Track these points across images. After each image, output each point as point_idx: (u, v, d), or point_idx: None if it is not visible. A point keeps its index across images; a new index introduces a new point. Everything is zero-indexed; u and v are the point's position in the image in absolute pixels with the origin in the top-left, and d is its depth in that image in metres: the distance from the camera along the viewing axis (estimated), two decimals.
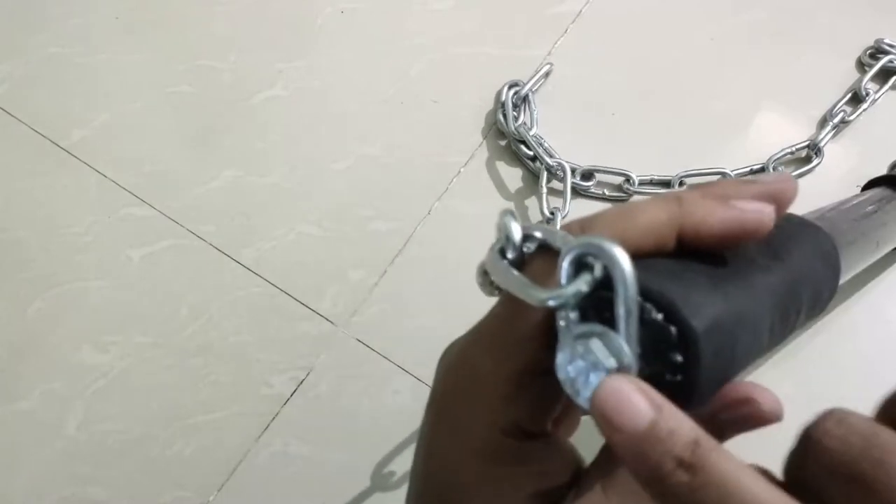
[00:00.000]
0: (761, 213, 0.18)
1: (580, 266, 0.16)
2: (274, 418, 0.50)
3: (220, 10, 0.63)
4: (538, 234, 0.18)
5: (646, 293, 0.16)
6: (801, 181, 0.54)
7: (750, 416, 0.18)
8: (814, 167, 0.53)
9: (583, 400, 0.16)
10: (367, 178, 0.56)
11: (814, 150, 0.54)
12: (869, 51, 0.57)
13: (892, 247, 0.42)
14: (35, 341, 0.52)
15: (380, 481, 0.48)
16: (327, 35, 0.62)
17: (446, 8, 0.62)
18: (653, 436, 0.15)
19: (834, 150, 0.54)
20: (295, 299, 0.53)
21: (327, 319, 0.52)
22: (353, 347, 0.51)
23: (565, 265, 0.16)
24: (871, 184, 0.46)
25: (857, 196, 0.40)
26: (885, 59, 0.55)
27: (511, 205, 0.55)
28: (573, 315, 0.16)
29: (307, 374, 0.51)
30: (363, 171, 0.57)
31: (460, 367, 0.20)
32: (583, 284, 0.16)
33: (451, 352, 0.20)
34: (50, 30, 0.63)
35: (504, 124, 0.56)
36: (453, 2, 0.62)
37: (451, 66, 0.60)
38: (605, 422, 0.15)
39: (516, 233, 0.18)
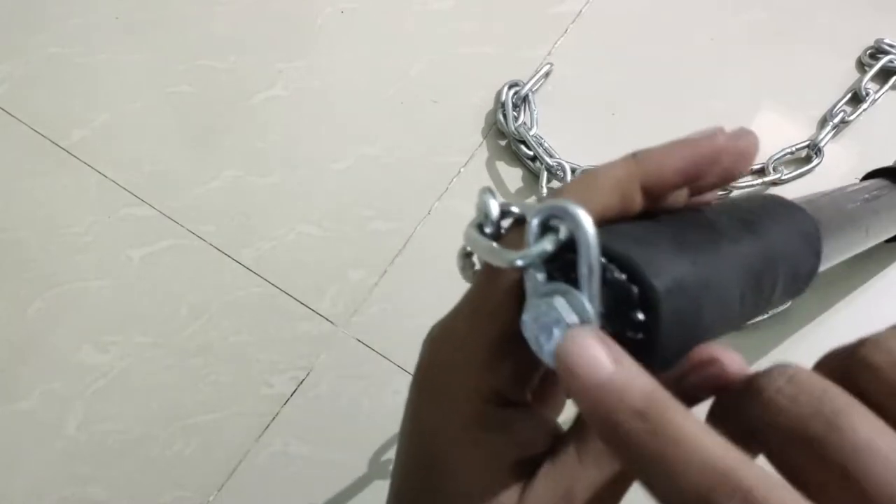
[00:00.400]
0: (714, 142, 0.19)
1: (547, 230, 0.17)
2: (274, 418, 0.50)
3: (220, 10, 0.63)
4: (515, 210, 0.19)
5: (609, 254, 0.16)
6: (801, 181, 0.54)
7: (715, 378, 0.18)
8: (814, 167, 0.53)
9: (546, 355, 0.17)
10: (367, 178, 0.56)
11: (814, 150, 0.54)
12: (869, 51, 0.57)
13: (884, 237, 0.43)
14: (35, 341, 0.52)
15: (378, 472, 0.48)
16: (327, 35, 0.62)
17: (446, 8, 0.62)
18: (611, 385, 0.15)
19: (834, 150, 0.54)
20: (295, 299, 0.53)
21: (327, 319, 0.52)
22: (353, 347, 0.51)
23: (533, 229, 0.17)
24: (872, 175, 0.46)
25: (853, 185, 0.40)
26: (885, 59, 0.55)
27: None
28: (540, 276, 0.17)
29: (307, 374, 0.51)
30: (363, 171, 0.57)
31: (442, 340, 0.20)
32: (547, 244, 0.17)
33: (434, 329, 0.21)
34: (50, 30, 0.63)
35: (504, 124, 0.56)
36: (453, 2, 0.62)
37: (451, 66, 0.60)
38: (566, 371, 0.15)
39: (494, 209, 0.19)
